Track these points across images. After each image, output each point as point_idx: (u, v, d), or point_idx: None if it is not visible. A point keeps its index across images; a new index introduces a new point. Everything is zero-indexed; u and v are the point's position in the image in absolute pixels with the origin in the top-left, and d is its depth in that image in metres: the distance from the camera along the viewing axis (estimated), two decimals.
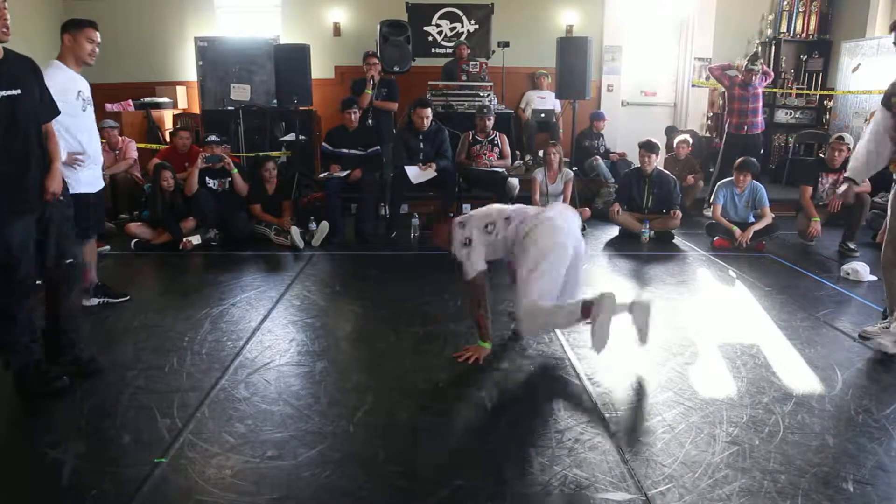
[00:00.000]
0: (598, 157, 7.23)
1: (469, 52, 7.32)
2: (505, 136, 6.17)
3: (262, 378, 2.90)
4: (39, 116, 2.74)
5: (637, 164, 6.00)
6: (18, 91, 2.60)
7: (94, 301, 3.83)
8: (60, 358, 2.91)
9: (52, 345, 2.90)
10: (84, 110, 3.43)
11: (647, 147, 5.68)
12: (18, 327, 2.67)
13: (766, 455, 2.29)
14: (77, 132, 3.42)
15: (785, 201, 6.28)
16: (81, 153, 3.44)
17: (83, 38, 3.34)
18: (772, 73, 6.82)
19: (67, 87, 3.30)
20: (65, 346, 2.92)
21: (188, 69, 7.94)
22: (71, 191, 3.27)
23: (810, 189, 5.45)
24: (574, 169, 6.42)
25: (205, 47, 7.46)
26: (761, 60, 6.58)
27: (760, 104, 6.51)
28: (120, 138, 6.29)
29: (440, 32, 7.81)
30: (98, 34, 3.41)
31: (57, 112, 2.87)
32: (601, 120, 7.52)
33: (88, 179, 3.53)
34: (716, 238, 5.48)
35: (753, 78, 6.40)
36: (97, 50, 3.42)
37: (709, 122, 8.50)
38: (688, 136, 7.25)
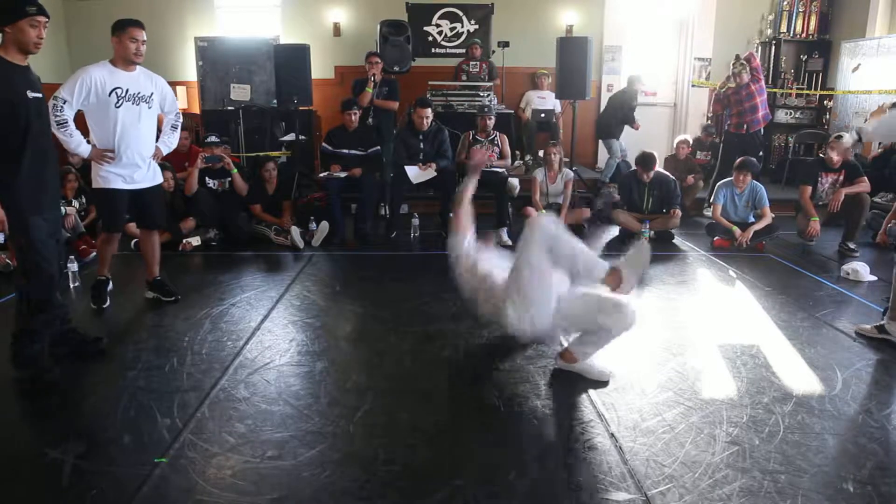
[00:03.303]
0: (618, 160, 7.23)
1: (481, 51, 7.34)
2: (505, 136, 6.17)
3: (262, 378, 2.90)
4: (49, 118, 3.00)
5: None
6: (41, 95, 2.82)
7: (149, 295, 3.99)
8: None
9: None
10: (118, 106, 3.50)
11: (644, 164, 5.60)
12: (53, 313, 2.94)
13: (766, 455, 2.29)
14: (106, 128, 3.53)
15: (785, 201, 6.28)
16: (111, 150, 3.54)
17: (126, 39, 3.47)
18: (754, 56, 6.64)
19: (106, 82, 3.46)
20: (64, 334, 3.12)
21: (188, 69, 7.94)
22: (100, 185, 3.61)
23: (809, 189, 5.45)
24: (574, 169, 6.42)
25: (205, 47, 7.46)
26: (741, 61, 6.49)
27: (759, 100, 6.47)
28: None
29: (440, 32, 7.81)
30: (142, 32, 3.51)
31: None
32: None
33: (122, 175, 3.62)
34: (716, 238, 5.47)
35: (742, 78, 6.37)
36: (142, 48, 3.53)
37: (709, 122, 8.51)
38: (688, 137, 7.26)
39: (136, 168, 3.66)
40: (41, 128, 2.82)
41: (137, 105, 3.58)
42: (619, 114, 7.27)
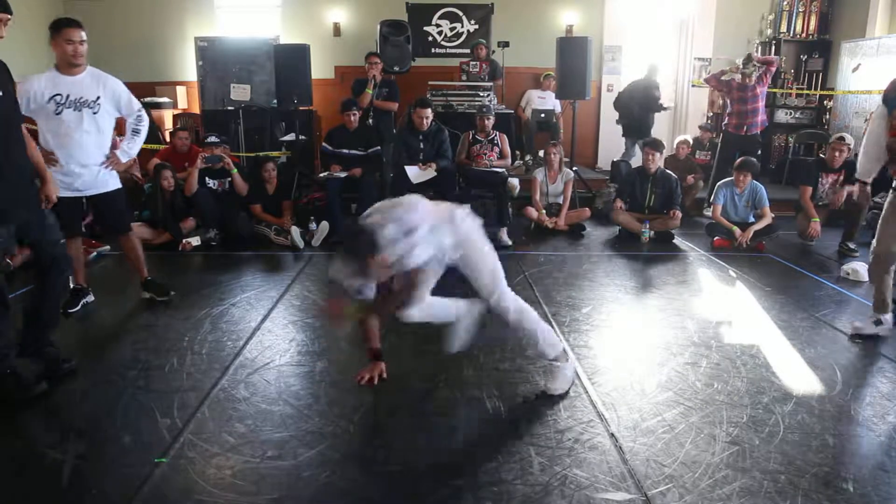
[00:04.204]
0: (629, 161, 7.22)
1: (486, 51, 7.33)
2: (505, 136, 6.17)
3: (262, 378, 2.90)
4: (15, 119, 2.71)
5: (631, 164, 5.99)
6: (0, 93, 2.59)
7: (145, 296, 3.94)
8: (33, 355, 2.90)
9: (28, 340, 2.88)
10: (58, 113, 3.38)
11: (653, 145, 5.67)
12: None
13: (766, 455, 2.29)
14: (47, 134, 3.43)
15: (785, 201, 6.27)
16: (51, 153, 3.40)
17: (62, 41, 3.31)
18: (773, 59, 6.66)
19: (45, 91, 3.34)
20: (41, 342, 2.90)
21: (188, 69, 7.94)
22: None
23: (810, 189, 5.45)
24: (574, 169, 6.42)
25: (205, 47, 7.46)
26: (754, 63, 6.41)
27: (761, 104, 6.47)
28: (118, 139, 6.29)
29: (440, 32, 7.81)
30: (78, 32, 3.33)
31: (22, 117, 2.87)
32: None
33: (64, 182, 3.43)
34: (716, 238, 5.47)
35: (751, 79, 6.36)
36: (80, 49, 3.35)
37: (709, 121, 8.52)
38: (688, 137, 7.26)
39: (77, 176, 3.51)
40: None
41: (79, 111, 3.43)
42: (642, 103, 7.21)
